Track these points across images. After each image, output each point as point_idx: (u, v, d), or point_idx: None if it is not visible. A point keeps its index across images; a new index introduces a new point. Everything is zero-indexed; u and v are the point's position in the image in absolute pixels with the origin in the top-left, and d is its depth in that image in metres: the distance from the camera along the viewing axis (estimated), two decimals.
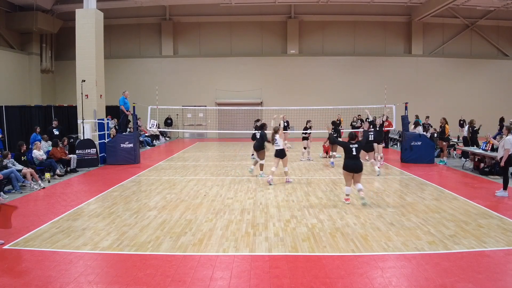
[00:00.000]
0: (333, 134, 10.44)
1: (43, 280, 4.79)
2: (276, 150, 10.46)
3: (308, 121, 14.91)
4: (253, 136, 13.90)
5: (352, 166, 8.19)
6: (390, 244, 5.93)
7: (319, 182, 10.68)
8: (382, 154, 13.43)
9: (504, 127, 9.85)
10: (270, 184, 10.33)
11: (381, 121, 13.24)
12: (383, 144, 15.09)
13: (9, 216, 6.12)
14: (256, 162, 11.66)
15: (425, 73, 25.19)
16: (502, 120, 18.91)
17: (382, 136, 13.14)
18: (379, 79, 24.21)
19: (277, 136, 10.40)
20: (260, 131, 11.63)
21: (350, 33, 25.35)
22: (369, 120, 12.67)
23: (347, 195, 8.42)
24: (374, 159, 12.26)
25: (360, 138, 10.43)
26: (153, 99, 17.59)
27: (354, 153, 8.23)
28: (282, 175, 11.04)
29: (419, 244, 5.90)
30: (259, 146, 11.34)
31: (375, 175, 11.60)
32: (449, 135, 15.74)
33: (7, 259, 5.47)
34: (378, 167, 12.10)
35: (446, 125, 14.75)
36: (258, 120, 15.17)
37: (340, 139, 10.61)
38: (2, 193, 9.03)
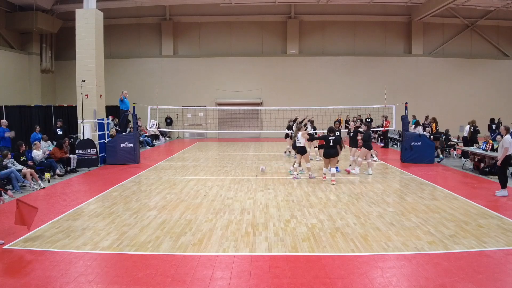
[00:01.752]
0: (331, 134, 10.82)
1: (43, 280, 4.79)
2: (298, 147, 11.21)
3: (311, 121, 15.17)
4: (289, 136, 14.96)
5: (329, 154, 10.41)
6: (390, 244, 5.94)
7: (319, 182, 10.69)
8: (359, 159, 12.44)
9: (503, 127, 9.85)
10: (295, 179, 11.00)
11: (355, 126, 13.11)
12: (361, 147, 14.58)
13: (32, 216, 6.27)
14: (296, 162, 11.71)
15: (425, 73, 25.18)
16: (493, 121, 18.88)
17: (355, 141, 12.74)
18: (379, 79, 24.21)
19: (299, 134, 11.12)
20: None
21: (350, 33, 25.34)
22: (365, 122, 12.95)
23: (324, 174, 10.65)
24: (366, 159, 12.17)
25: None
26: (153, 99, 17.61)
27: (331, 143, 10.39)
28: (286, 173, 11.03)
29: (419, 244, 5.90)
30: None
31: (369, 175, 11.74)
32: (441, 135, 15.96)
33: (7, 259, 5.47)
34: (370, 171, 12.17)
35: (433, 124, 15.56)
36: (295, 120, 15.23)
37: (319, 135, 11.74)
38: (2, 192, 9.01)
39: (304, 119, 14.09)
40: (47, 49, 23.77)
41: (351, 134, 12.64)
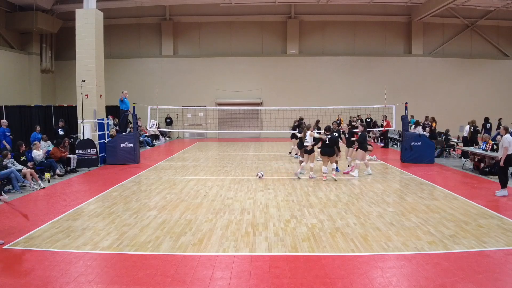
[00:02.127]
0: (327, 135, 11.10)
1: (43, 280, 4.79)
2: (306, 146, 11.28)
3: (317, 121, 15.21)
4: (295, 136, 14.33)
5: (326, 152, 10.89)
6: (390, 244, 5.94)
7: (319, 182, 10.69)
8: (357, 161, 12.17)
9: (502, 127, 9.85)
10: (298, 178, 11.15)
11: (348, 127, 13.10)
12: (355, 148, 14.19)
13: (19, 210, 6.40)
14: (301, 162, 11.81)
15: (425, 73, 25.17)
16: (488, 120, 18.86)
17: (350, 142, 12.65)
18: (379, 79, 24.19)
19: (308, 133, 11.20)
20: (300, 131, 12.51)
21: (350, 33, 25.34)
22: (363, 123, 13.26)
23: (324, 173, 10.93)
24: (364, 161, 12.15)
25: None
26: (153, 99, 17.62)
27: (327, 142, 10.83)
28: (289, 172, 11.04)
29: (419, 244, 5.90)
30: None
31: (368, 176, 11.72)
32: (441, 135, 16.05)
33: (7, 259, 5.47)
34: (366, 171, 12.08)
35: (433, 123, 15.81)
36: (300, 120, 15.18)
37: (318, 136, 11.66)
38: (2, 191, 9.02)
39: (315, 123, 14.20)
40: (47, 49, 23.76)
41: (346, 135, 12.65)
